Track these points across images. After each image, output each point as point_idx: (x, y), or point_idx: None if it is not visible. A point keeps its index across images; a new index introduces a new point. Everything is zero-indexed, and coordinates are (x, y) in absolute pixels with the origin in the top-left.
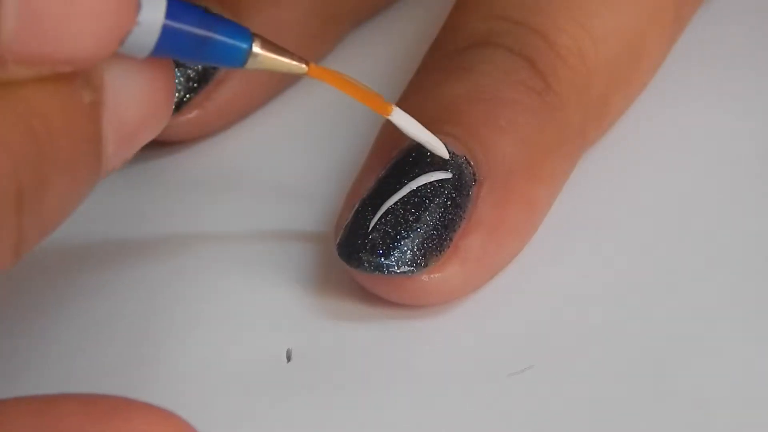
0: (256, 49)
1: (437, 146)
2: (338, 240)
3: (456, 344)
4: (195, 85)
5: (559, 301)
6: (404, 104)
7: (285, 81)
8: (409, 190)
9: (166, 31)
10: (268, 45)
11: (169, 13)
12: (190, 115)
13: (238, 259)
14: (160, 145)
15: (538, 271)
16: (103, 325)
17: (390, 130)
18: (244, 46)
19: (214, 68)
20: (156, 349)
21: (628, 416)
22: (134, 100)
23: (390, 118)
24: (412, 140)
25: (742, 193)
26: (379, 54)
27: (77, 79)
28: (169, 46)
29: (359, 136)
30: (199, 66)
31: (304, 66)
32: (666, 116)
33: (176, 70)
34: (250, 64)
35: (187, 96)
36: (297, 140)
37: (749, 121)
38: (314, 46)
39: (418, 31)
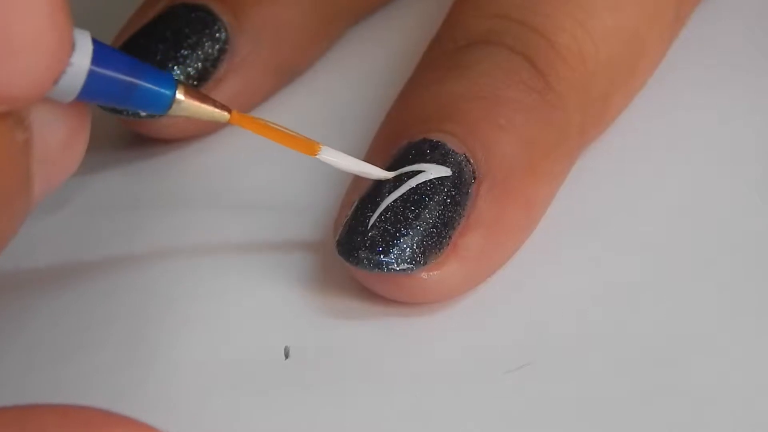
0: (180, 96)
1: (374, 173)
2: (337, 237)
3: (454, 342)
4: (195, 83)
5: (556, 299)
6: (403, 102)
7: (284, 79)
8: (408, 188)
9: (92, 75)
10: (192, 93)
11: (96, 59)
12: None
13: (237, 257)
14: (159, 144)
15: (537, 269)
16: (102, 323)
17: (389, 128)
18: (168, 93)
19: (214, 66)
20: (154, 347)
21: (626, 414)
22: (55, 142)
23: (318, 157)
24: (412, 138)
25: (742, 191)
26: (378, 51)
27: (12, 118)
28: (94, 91)
29: (358, 133)
30: (199, 64)
31: (226, 114)
32: (664, 115)
33: (176, 67)
34: (174, 110)
35: None
36: None
37: (748, 120)
38: (314, 44)
39: (417, 28)
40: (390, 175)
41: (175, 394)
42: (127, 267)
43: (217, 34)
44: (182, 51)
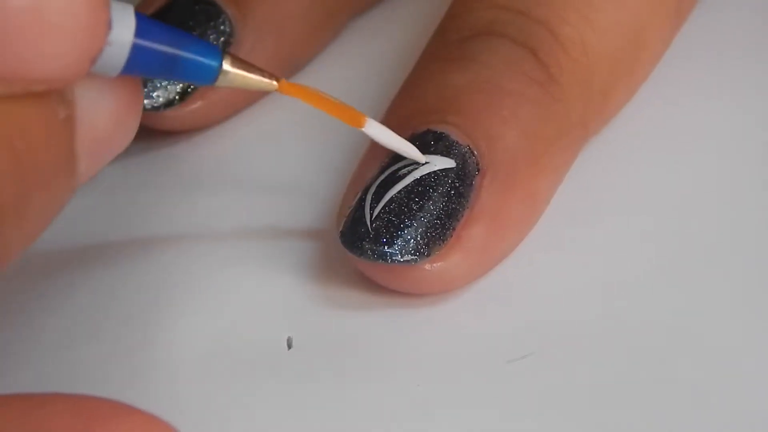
0: (227, 66)
1: (413, 154)
2: (341, 228)
3: (457, 333)
4: None
5: (558, 291)
6: (406, 93)
7: (287, 71)
8: (412, 179)
9: (136, 49)
10: (239, 63)
11: (139, 32)
12: (194, 105)
13: (240, 248)
14: (163, 135)
15: (539, 261)
16: (103, 311)
17: (393, 119)
18: (215, 63)
19: None
20: (157, 337)
21: (626, 403)
22: (104, 117)
23: (363, 130)
24: (416, 129)
25: (743, 185)
26: (382, 43)
27: (52, 95)
28: (139, 65)
29: None
30: None
31: (274, 83)
32: (667, 108)
33: None
34: (221, 81)
35: (191, 87)
36: (300, 130)
37: (750, 113)
38: (316, 36)
39: (420, 20)
40: (424, 159)
41: (176, 384)
42: (129, 255)
43: (222, 27)
44: None
